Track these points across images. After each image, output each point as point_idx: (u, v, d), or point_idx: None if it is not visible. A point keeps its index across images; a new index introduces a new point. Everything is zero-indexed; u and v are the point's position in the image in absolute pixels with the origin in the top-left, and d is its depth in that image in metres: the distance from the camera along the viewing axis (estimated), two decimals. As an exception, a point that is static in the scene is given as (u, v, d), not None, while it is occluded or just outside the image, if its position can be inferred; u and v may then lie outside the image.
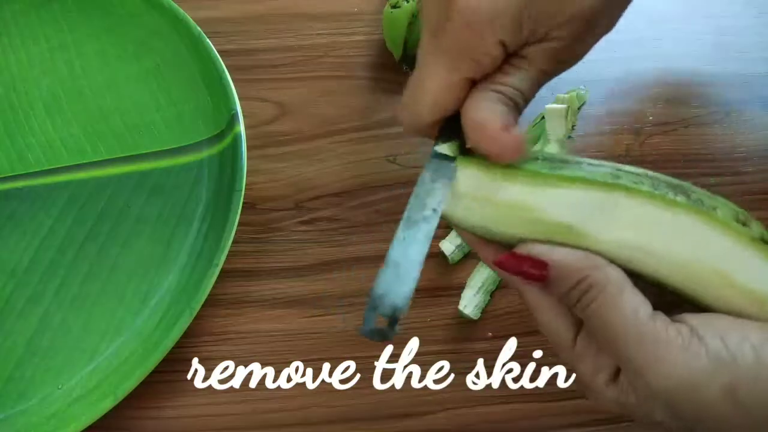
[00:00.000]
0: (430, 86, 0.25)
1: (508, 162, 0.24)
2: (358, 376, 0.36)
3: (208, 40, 0.43)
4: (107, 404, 0.34)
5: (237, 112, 0.41)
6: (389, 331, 0.22)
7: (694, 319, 0.22)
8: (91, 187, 0.41)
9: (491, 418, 0.36)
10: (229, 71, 0.42)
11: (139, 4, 0.45)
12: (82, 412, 0.34)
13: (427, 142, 0.27)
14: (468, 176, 0.25)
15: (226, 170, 0.40)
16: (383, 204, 0.41)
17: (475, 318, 0.37)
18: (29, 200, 0.40)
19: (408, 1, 0.43)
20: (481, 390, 0.36)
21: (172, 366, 0.36)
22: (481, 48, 0.24)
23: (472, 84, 0.25)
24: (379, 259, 0.39)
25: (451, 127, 0.26)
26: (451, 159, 0.25)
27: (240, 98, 0.41)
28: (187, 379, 0.36)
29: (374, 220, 0.41)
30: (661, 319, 0.22)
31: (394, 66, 0.45)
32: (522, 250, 0.24)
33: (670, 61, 0.47)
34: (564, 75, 0.46)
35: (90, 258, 0.39)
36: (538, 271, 0.24)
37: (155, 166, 0.41)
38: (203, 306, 0.36)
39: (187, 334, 0.36)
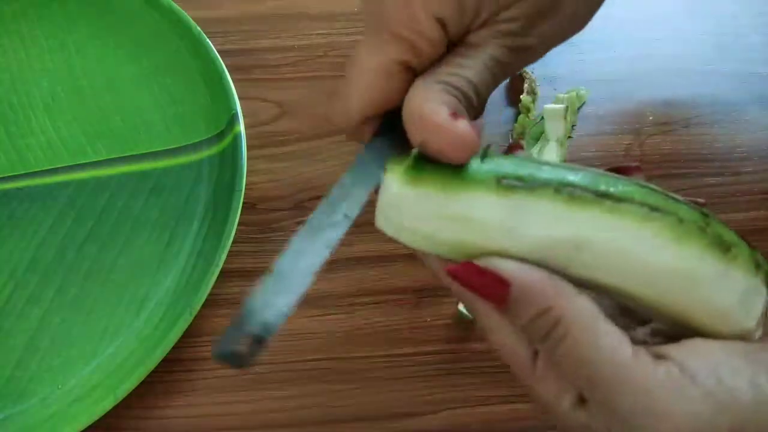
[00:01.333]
0: (361, 73, 0.22)
1: (455, 161, 0.20)
2: (358, 376, 0.36)
3: (208, 40, 0.43)
4: (107, 404, 0.34)
5: (237, 112, 0.41)
6: (249, 355, 0.17)
7: (678, 352, 0.20)
8: (91, 187, 0.41)
9: (491, 418, 0.36)
10: (229, 71, 0.42)
11: (139, 4, 0.45)
12: (82, 412, 0.34)
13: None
14: (398, 181, 0.21)
15: (226, 170, 0.40)
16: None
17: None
18: (29, 200, 0.40)
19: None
20: (481, 390, 0.36)
21: (172, 366, 0.36)
22: (415, 24, 0.21)
23: (413, 75, 0.22)
24: (379, 259, 0.39)
25: (389, 127, 0.22)
26: (382, 159, 0.22)
27: (240, 98, 0.41)
28: (187, 379, 0.36)
29: (374, 220, 0.41)
30: (644, 358, 0.20)
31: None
32: (481, 262, 0.21)
33: (670, 61, 0.47)
34: (564, 75, 0.46)
35: (90, 258, 0.39)
36: (496, 289, 0.20)
37: (155, 166, 0.41)
38: (203, 306, 0.36)
39: (187, 334, 0.36)
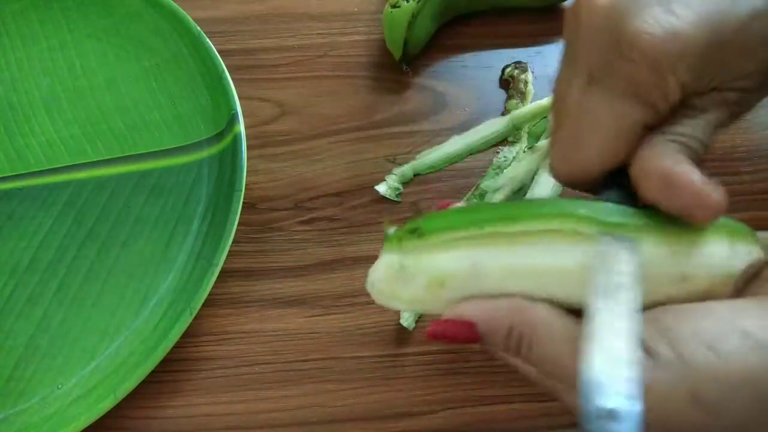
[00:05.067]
0: (599, 132, 0.22)
1: (701, 222, 0.21)
2: (358, 375, 0.36)
3: (208, 39, 0.43)
4: (107, 404, 0.34)
5: (237, 112, 0.41)
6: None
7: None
8: (91, 187, 0.41)
9: (491, 418, 0.36)
10: (229, 71, 0.42)
11: (139, 4, 0.45)
12: (82, 412, 0.34)
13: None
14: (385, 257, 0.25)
15: (226, 170, 0.40)
16: (383, 204, 0.41)
17: None
18: (29, 200, 0.40)
19: (408, 1, 0.43)
20: (481, 390, 0.36)
21: (172, 366, 0.36)
22: (661, 90, 0.22)
23: (645, 132, 0.23)
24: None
25: (612, 181, 0.23)
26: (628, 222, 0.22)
27: (240, 98, 0.41)
28: (187, 379, 0.36)
29: (374, 220, 0.41)
30: None
31: (394, 66, 0.45)
32: (447, 314, 0.23)
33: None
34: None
35: (90, 258, 0.39)
36: (467, 334, 0.22)
37: (155, 166, 0.41)
38: (203, 306, 0.36)
39: (187, 334, 0.36)
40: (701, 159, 0.23)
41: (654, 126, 0.23)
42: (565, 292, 0.22)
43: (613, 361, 0.19)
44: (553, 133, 0.25)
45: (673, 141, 0.22)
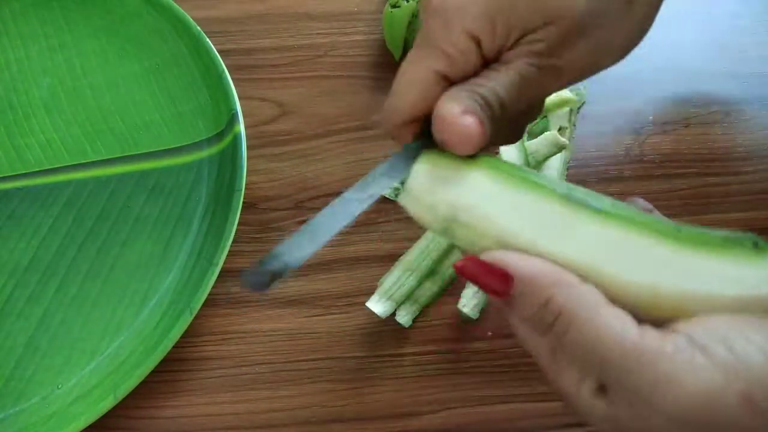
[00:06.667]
0: (405, 81, 0.25)
1: (460, 152, 0.23)
2: (358, 375, 0.36)
3: (208, 39, 0.43)
4: (107, 404, 0.34)
5: (237, 112, 0.41)
6: (267, 284, 0.21)
7: (686, 326, 0.20)
8: (91, 187, 0.41)
9: (491, 418, 0.36)
10: (229, 71, 0.42)
11: (139, 4, 0.45)
12: (82, 412, 0.34)
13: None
14: (422, 171, 0.24)
15: (225, 170, 0.40)
16: (383, 204, 0.41)
17: (475, 317, 0.37)
18: (29, 200, 0.40)
19: (408, 1, 0.43)
20: (480, 390, 0.36)
21: (172, 366, 0.36)
22: (449, 37, 0.23)
23: (450, 85, 0.24)
24: (379, 259, 0.39)
25: (427, 133, 0.25)
26: (413, 156, 0.24)
27: (240, 98, 0.41)
28: (187, 379, 0.36)
29: (374, 220, 0.41)
30: (651, 333, 0.20)
31: (394, 66, 0.45)
32: (486, 256, 0.22)
33: (670, 61, 0.47)
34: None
35: (90, 258, 0.39)
36: (499, 284, 0.21)
37: (155, 166, 0.41)
38: (203, 306, 0.36)
39: (187, 334, 0.36)
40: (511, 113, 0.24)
41: (459, 80, 0.24)
42: (624, 284, 0.21)
43: (305, 244, 0.22)
44: None
45: (466, 91, 0.23)
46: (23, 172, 0.41)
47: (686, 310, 0.21)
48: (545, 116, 0.41)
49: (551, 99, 0.40)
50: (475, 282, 0.22)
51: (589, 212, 0.22)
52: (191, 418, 0.36)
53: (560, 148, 0.38)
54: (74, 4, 0.46)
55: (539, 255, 0.22)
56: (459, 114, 0.22)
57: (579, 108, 0.43)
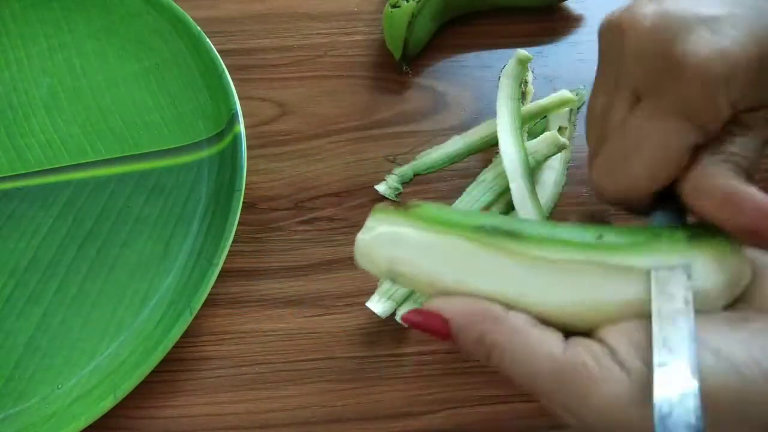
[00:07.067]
0: (648, 151, 0.23)
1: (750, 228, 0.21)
2: (358, 375, 0.36)
3: (208, 39, 0.43)
4: (107, 404, 0.34)
5: (237, 112, 0.41)
6: None
7: (605, 332, 0.21)
8: (91, 187, 0.41)
9: (491, 418, 0.36)
10: (229, 71, 0.42)
11: (139, 4, 0.45)
12: (82, 412, 0.34)
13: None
14: (367, 228, 0.25)
15: (225, 170, 0.40)
16: (383, 204, 0.41)
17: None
18: (29, 200, 0.40)
19: (408, 1, 0.43)
20: (481, 390, 0.36)
21: (172, 366, 0.36)
22: (712, 109, 0.22)
23: (693, 152, 0.23)
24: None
25: (661, 200, 0.24)
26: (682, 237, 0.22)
27: (240, 98, 0.41)
28: (187, 379, 0.36)
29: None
30: (573, 348, 0.21)
31: (393, 66, 0.45)
32: (425, 305, 0.23)
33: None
34: (564, 75, 0.46)
35: (90, 258, 0.39)
36: (439, 329, 0.22)
37: (155, 166, 0.41)
38: (203, 306, 0.36)
39: (187, 334, 0.36)
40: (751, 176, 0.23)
41: (703, 145, 0.23)
42: (550, 309, 0.22)
43: (680, 390, 0.19)
44: (593, 151, 0.26)
45: (725, 161, 0.22)
46: (23, 172, 0.41)
47: (603, 320, 0.22)
48: (544, 116, 0.41)
49: (551, 99, 0.40)
50: (421, 330, 0.23)
51: (505, 240, 0.22)
52: (191, 418, 0.36)
53: (560, 148, 0.38)
54: (74, 4, 0.46)
55: (470, 293, 0.22)
56: (765, 199, 0.21)
57: (579, 108, 0.43)
